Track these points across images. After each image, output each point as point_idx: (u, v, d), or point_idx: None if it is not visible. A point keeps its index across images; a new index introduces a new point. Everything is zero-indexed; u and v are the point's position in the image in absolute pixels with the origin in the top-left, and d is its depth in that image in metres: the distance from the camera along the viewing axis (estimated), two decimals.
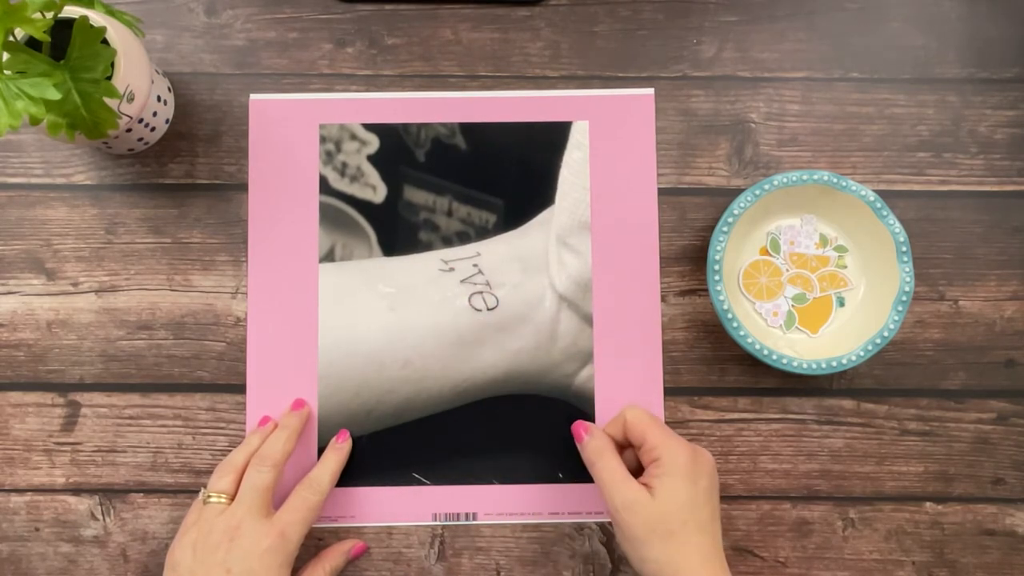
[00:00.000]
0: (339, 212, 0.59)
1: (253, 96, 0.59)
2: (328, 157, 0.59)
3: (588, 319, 0.58)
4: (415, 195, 0.59)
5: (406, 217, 0.59)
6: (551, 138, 0.59)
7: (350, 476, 0.57)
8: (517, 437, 0.58)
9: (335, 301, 0.58)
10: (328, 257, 0.58)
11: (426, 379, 0.57)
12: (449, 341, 0.58)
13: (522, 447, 0.58)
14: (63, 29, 0.47)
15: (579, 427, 0.54)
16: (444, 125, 0.59)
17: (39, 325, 0.58)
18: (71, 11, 0.49)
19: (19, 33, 0.49)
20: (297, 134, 0.59)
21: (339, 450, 0.55)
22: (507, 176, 0.59)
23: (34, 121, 0.45)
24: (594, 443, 0.52)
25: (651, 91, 0.60)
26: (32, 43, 0.50)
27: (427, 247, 0.59)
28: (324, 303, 0.58)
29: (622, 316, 0.58)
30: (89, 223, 0.59)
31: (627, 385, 0.58)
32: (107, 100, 0.49)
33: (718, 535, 0.49)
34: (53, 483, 0.57)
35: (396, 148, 0.59)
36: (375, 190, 0.59)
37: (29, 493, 0.57)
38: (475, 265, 0.58)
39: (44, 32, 0.44)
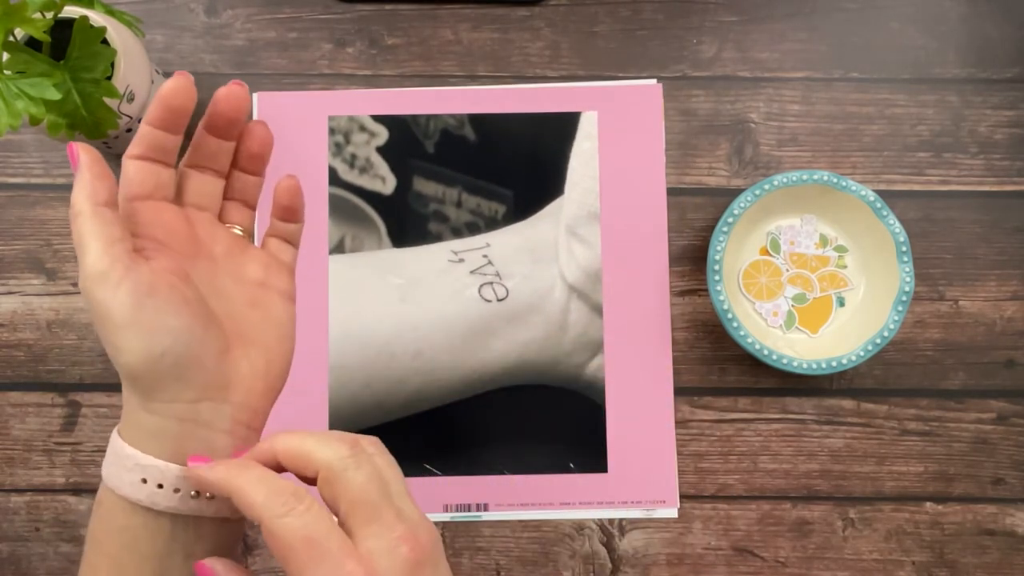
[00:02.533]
0: (349, 204, 0.59)
1: (258, 92, 0.59)
2: (337, 149, 0.59)
3: (598, 309, 0.58)
4: (424, 186, 0.59)
5: (416, 208, 0.59)
6: (560, 129, 0.60)
7: None
8: (528, 427, 0.58)
9: (345, 293, 0.58)
10: (338, 249, 0.59)
11: (436, 370, 0.57)
12: (459, 332, 0.58)
13: (533, 437, 0.58)
14: (63, 29, 0.47)
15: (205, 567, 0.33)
16: (453, 116, 0.60)
17: (39, 325, 0.58)
18: (71, 11, 0.49)
19: (19, 33, 0.49)
20: (306, 127, 0.59)
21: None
22: (516, 167, 0.59)
23: (34, 121, 0.45)
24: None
25: (658, 83, 0.60)
26: (32, 43, 0.50)
27: (437, 238, 0.59)
28: (334, 295, 0.58)
29: (632, 306, 0.58)
30: None
31: (637, 374, 0.58)
32: (107, 100, 0.49)
33: None
34: (53, 483, 0.57)
35: (405, 139, 0.59)
36: (384, 181, 0.59)
37: (29, 493, 0.57)
38: (485, 256, 0.58)
39: (44, 32, 0.44)
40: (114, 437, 0.33)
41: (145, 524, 0.32)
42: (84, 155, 0.32)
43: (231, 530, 0.34)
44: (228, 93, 0.35)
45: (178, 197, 0.37)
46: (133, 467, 0.32)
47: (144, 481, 0.32)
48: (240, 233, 0.38)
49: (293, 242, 0.40)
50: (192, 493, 0.32)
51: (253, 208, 0.39)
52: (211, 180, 0.37)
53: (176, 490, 0.32)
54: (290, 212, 0.39)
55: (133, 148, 0.35)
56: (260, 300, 0.37)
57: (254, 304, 0.36)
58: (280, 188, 0.39)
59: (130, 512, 0.32)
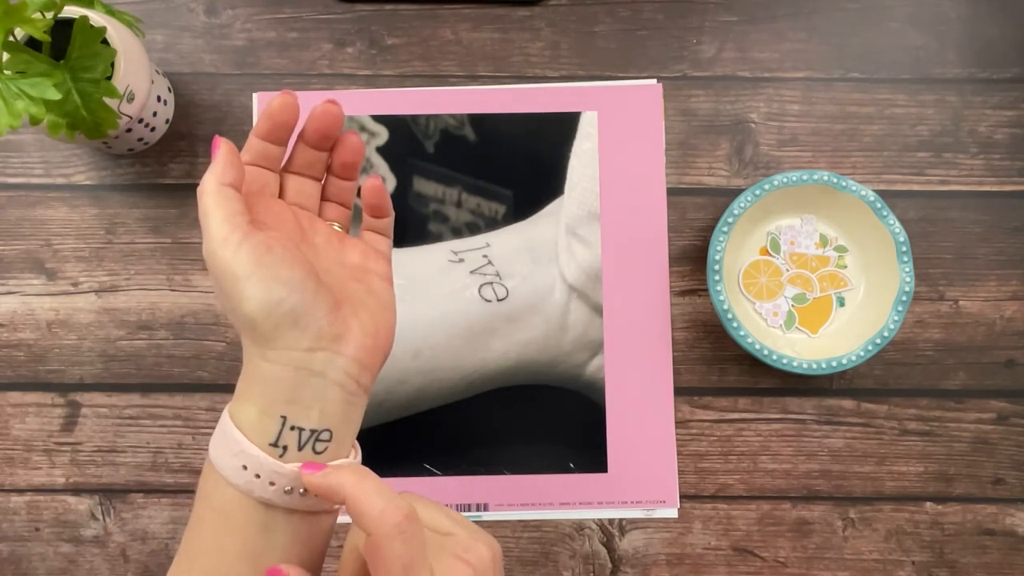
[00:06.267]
0: None
1: (259, 92, 0.59)
2: None
3: (598, 309, 0.58)
4: (424, 186, 0.59)
5: (416, 208, 0.59)
6: (560, 129, 0.60)
7: None
8: (528, 427, 0.58)
9: None
10: None
11: (437, 370, 0.57)
12: (459, 332, 0.58)
13: (533, 437, 0.58)
14: (63, 29, 0.47)
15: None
16: (453, 116, 0.60)
17: (39, 325, 0.58)
18: (71, 11, 0.49)
19: (19, 33, 0.49)
20: None
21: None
22: (516, 167, 0.59)
23: (34, 121, 0.45)
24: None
25: (658, 83, 0.60)
26: (32, 43, 0.50)
27: (437, 238, 0.59)
28: None
29: (632, 306, 0.58)
30: (89, 223, 0.59)
31: (637, 374, 0.58)
32: (107, 100, 0.49)
33: None
34: (53, 483, 0.57)
35: (405, 139, 0.59)
36: (384, 182, 0.59)
37: (29, 493, 0.57)
38: (485, 256, 0.58)
39: (44, 32, 0.44)
40: (225, 417, 0.35)
41: (240, 504, 0.34)
42: (223, 145, 0.36)
43: (323, 522, 0.36)
44: (324, 111, 0.38)
45: (280, 197, 0.40)
46: (238, 452, 0.34)
47: (244, 468, 0.34)
48: (338, 229, 0.41)
49: (386, 234, 0.42)
50: (286, 488, 0.34)
51: (349, 208, 0.42)
52: (309, 183, 0.41)
53: (271, 483, 0.34)
54: (378, 209, 0.42)
55: (244, 155, 0.38)
56: (362, 278, 0.39)
57: (357, 280, 0.39)
58: (366, 188, 0.41)
59: (232, 491, 0.34)
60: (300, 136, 0.40)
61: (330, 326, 0.35)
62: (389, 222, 0.42)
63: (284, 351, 0.34)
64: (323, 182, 0.42)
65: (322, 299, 0.35)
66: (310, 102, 0.60)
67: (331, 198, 0.42)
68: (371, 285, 0.39)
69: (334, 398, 0.35)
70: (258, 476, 0.34)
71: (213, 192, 0.35)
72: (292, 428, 0.34)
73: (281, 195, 0.40)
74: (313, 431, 0.34)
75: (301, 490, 0.34)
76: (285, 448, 0.34)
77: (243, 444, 0.34)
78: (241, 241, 0.34)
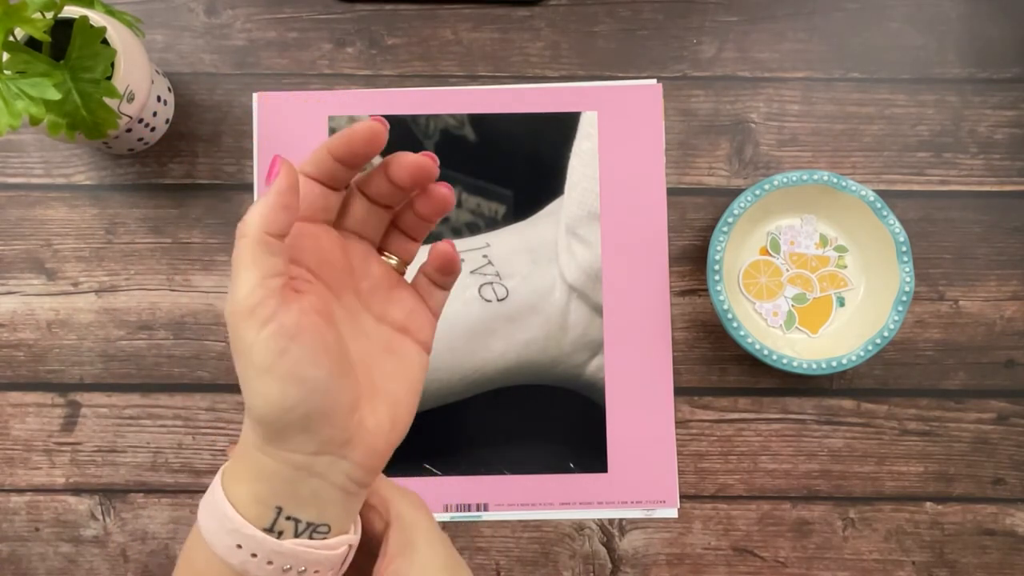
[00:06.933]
0: None
1: (258, 92, 0.59)
2: None
3: (598, 309, 0.58)
4: None
5: None
6: (560, 129, 0.60)
7: None
8: (528, 427, 0.58)
9: None
10: None
11: (437, 370, 0.57)
12: (459, 332, 0.58)
13: (533, 437, 0.58)
14: (63, 29, 0.47)
15: None
16: (453, 116, 0.60)
17: (39, 325, 0.58)
18: (71, 11, 0.49)
19: (19, 33, 0.49)
20: (306, 127, 0.59)
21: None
22: (516, 167, 0.59)
23: (34, 121, 0.45)
24: None
25: (658, 83, 0.60)
26: (32, 43, 0.50)
27: (436, 238, 0.59)
28: None
29: (632, 306, 0.58)
30: (89, 223, 0.59)
31: (637, 374, 0.58)
32: (107, 100, 0.49)
33: None
34: (53, 483, 0.57)
35: (405, 139, 0.59)
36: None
37: (29, 493, 0.57)
38: (485, 256, 0.58)
39: (44, 32, 0.44)
40: (216, 486, 0.32)
41: None
42: (283, 178, 0.30)
43: None
44: (421, 166, 0.33)
45: (340, 219, 0.35)
46: (232, 531, 0.31)
47: (239, 547, 0.31)
48: (394, 264, 0.36)
49: (446, 288, 0.37)
50: (285, 567, 0.32)
51: (417, 243, 0.37)
52: (378, 211, 0.35)
53: (269, 563, 0.31)
54: (445, 274, 0.37)
55: (307, 166, 0.33)
56: (397, 347, 0.35)
57: (390, 350, 0.35)
58: (437, 252, 0.36)
59: (221, 564, 0.32)
60: (385, 169, 0.34)
61: (342, 431, 0.32)
62: (453, 280, 0.37)
63: (286, 452, 0.31)
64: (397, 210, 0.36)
65: (341, 400, 0.31)
66: (310, 102, 0.61)
67: (401, 227, 0.36)
68: (404, 358, 0.35)
69: (333, 499, 0.32)
70: (255, 555, 0.31)
71: (253, 242, 0.30)
72: (288, 518, 0.32)
73: (342, 215, 0.35)
74: (311, 523, 0.32)
75: (301, 568, 0.32)
76: (281, 533, 0.32)
77: (237, 522, 0.31)
78: (268, 319, 0.30)
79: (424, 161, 0.33)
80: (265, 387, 0.30)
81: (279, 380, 0.30)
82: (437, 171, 0.34)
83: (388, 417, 0.33)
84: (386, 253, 0.37)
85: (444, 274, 0.37)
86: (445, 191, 0.35)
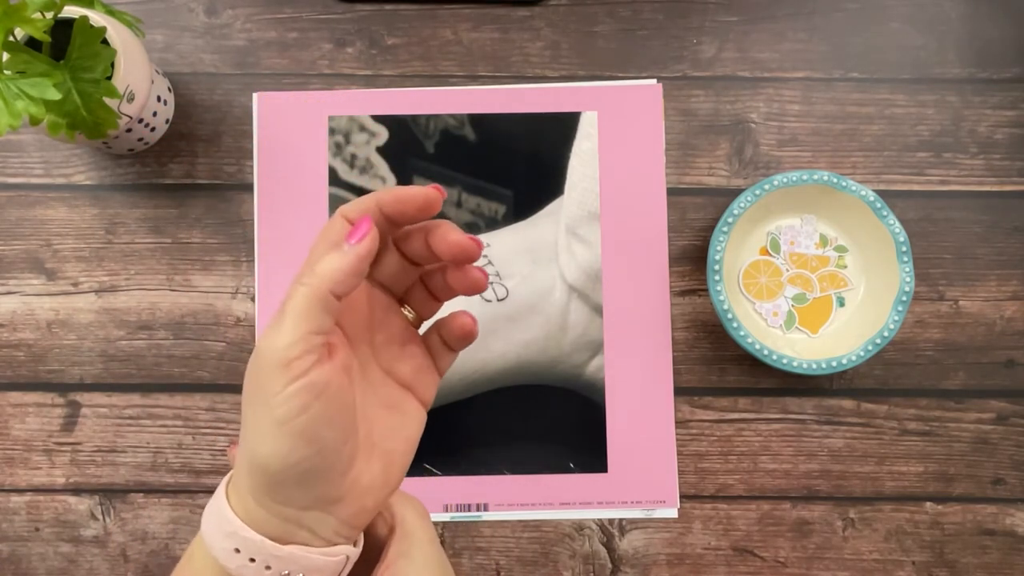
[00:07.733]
0: None
1: (258, 92, 0.59)
2: (337, 149, 0.59)
3: (598, 309, 0.58)
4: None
5: None
6: (560, 129, 0.60)
7: None
8: (527, 427, 0.58)
9: None
10: None
11: None
12: None
13: (533, 437, 0.58)
14: (63, 29, 0.47)
15: None
16: (453, 116, 0.60)
17: (39, 325, 0.58)
18: (71, 11, 0.49)
19: (19, 33, 0.49)
20: (306, 127, 0.59)
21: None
22: (516, 167, 0.59)
23: (34, 121, 0.45)
24: None
25: (658, 83, 0.60)
26: (32, 43, 0.50)
27: None
28: None
29: (632, 306, 0.58)
30: (89, 223, 0.59)
31: (637, 374, 0.58)
32: (107, 100, 0.49)
33: None
34: (53, 483, 0.57)
35: (405, 139, 0.59)
36: (385, 182, 0.59)
37: (29, 493, 0.57)
38: (485, 256, 0.58)
39: (44, 32, 0.44)
40: (221, 494, 0.33)
41: None
42: (368, 243, 0.31)
43: None
44: (467, 248, 0.33)
45: (371, 268, 0.35)
46: (230, 533, 0.31)
47: (237, 551, 0.31)
48: (410, 317, 0.36)
49: (456, 350, 0.37)
50: (284, 573, 0.32)
51: (440, 303, 0.37)
52: (408, 267, 0.35)
53: (267, 567, 0.31)
54: (460, 343, 0.37)
55: (352, 213, 0.32)
56: (399, 403, 0.35)
57: (392, 406, 0.35)
58: (458, 324, 0.36)
59: (218, 569, 0.32)
60: (427, 235, 0.33)
61: (336, 489, 0.32)
62: (466, 346, 0.37)
63: (277, 505, 0.31)
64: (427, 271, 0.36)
65: (341, 460, 0.31)
66: (310, 102, 0.61)
67: (426, 283, 0.36)
68: (404, 416, 0.35)
69: (321, 545, 0.33)
70: (253, 560, 0.31)
71: (315, 295, 0.30)
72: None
73: (372, 265, 0.34)
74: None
75: (299, 574, 0.32)
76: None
77: (237, 526, 0.31)
78: (302, 375, 0.29)
79: (469, 245, 0.33)
80: (277, 440, 0.30)
81: (292, 435, 0.30)
82: (479, 255, 0.34)
83: (382, 475, 0.34)
84: (406, 307, 0.37)
85: (460, 342, 0.37)
86: (480, 276, 0.34)
